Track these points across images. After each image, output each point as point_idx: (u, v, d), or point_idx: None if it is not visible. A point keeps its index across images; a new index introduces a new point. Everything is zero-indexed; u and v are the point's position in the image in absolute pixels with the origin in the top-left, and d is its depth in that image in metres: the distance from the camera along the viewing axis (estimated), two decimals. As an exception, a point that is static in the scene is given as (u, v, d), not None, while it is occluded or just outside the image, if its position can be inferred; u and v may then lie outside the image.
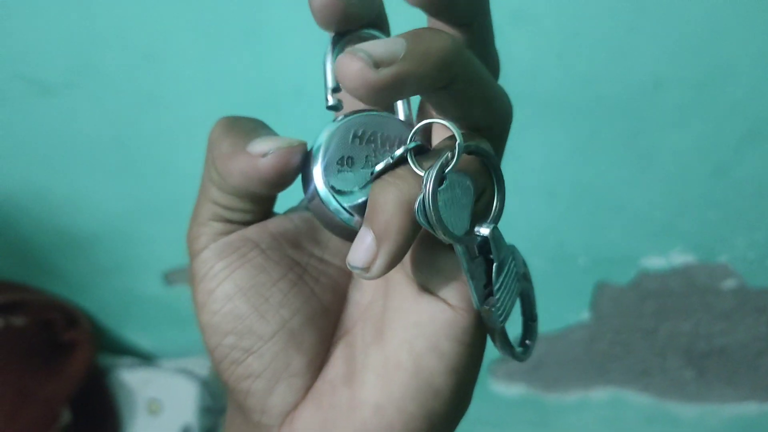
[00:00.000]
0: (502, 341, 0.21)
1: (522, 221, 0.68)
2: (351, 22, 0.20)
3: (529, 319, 0.23)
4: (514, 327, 0.21)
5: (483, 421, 0.91)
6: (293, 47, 0.57)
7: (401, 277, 0.21)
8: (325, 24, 0.20)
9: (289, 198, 0.23)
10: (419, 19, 0.19)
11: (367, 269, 0.18)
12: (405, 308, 0.21)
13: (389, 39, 0.17)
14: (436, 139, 0.21)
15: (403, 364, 0.20)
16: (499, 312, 0.20)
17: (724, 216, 0.65)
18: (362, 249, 0.18)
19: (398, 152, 0.19)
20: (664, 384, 0.83)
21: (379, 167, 0.19)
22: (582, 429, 0.90)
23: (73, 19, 0.58)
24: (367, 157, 0.20)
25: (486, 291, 0.20)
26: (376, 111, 0.21)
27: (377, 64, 0.16)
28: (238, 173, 0.20)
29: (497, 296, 0.20)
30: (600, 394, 0.85)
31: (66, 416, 0.74)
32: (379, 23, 0.21)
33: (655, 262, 0.70)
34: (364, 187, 0.20)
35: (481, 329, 0.21)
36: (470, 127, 0.20)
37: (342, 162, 0.20)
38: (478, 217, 0.20)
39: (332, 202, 0.20)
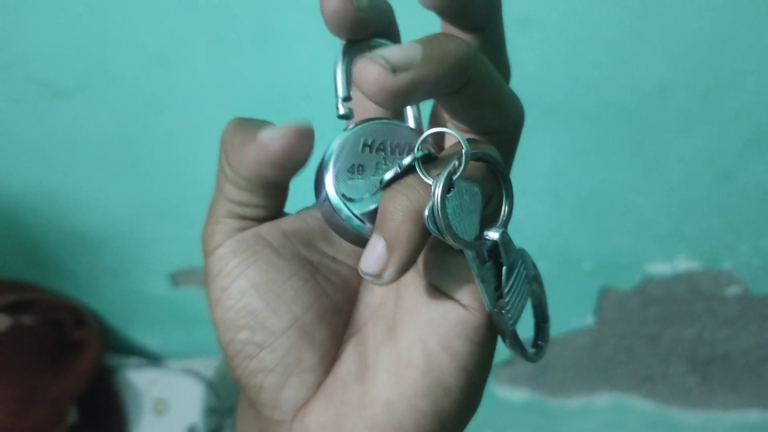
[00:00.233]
0: (513, 343, 0.21)
1: (528, 225, 0.68)
2: (363, 29, 0.20)
3: (541, 320, 0.23)
4: (525, 329, 0.22)
5: (487, 425, 0.91)
6: (303, 53, 0.58)
7: (413, 276, 0.22)
8: (336, 31, 0.20)
9: (299, 202, 0.24)
10: (429, 29, 0.20)
11: (378, 276, 0.18)
12: (417, 307, 0.21)
13: (405, 44, 0.17)
14: (449, 144, 0.22)
15: (415, 361, 0.20)
16: (510, 314, 0.20)
17: (728, 222, 0.65)
18: (374, 257, 0.18)
19: (406, 161, 0.19)
20: (667, 390, 0.83)
21: (388, 175, 0.20)
22: (585, 434, 0.90)
23: (85, 23, 0.59)
24: (377, 164, 0.21)
25: (496, 294, 0.20)
26: (387, 119, 0.22)
27: (395, 69, 0.17)
28: (250, 160, 0.20)
29: (507, 299, 0.20)
30: (603, 399, 0.85)
31: (72, 415, 0.74)
32: (390, 33, 0.22)
33: (660, 268, 0.71)
34: (375, 194, 0.20)
35: (492, 329, 0.21)
36: (483, 130, 0.21)
37: (353, 170, 0.20)
38: (487, 222, 0.20)
39: (343, 210, 0.20)
